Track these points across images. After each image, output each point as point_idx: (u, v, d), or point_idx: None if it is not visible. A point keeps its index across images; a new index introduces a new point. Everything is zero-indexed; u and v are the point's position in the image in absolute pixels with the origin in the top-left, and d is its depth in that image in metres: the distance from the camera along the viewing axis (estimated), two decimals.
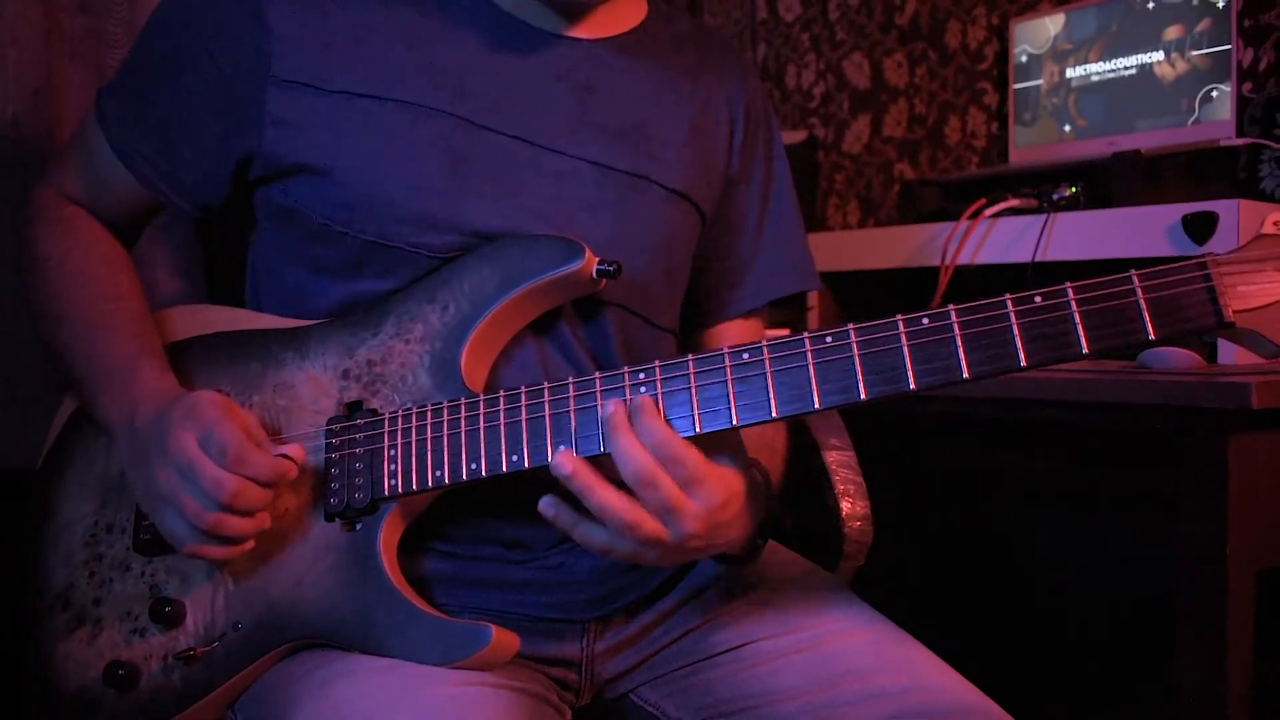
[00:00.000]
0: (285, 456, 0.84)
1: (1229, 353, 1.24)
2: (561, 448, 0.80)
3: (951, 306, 0.75)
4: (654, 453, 0.77)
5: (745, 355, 0.79)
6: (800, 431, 1.13)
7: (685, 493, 0.78)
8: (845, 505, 1.10)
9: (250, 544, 0.86)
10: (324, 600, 0.86)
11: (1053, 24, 1.81)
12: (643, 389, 0.81)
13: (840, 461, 1.12)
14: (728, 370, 0.79)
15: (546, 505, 0.80)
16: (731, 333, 1.11)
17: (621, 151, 0.96)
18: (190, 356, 0.96)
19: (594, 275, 0.88)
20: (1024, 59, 1.86)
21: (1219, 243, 1.25)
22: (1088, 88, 1.76)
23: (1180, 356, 1.21)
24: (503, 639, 0.83)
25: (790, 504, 1.10)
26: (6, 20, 1.27)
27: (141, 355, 0.92)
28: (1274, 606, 1.20)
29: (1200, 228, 1.27)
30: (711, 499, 0.79)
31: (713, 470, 0.80)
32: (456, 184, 0.91)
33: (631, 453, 0.77)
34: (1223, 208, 1.25)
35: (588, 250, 0.87)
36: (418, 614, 0.84)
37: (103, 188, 1.00)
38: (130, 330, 0.93)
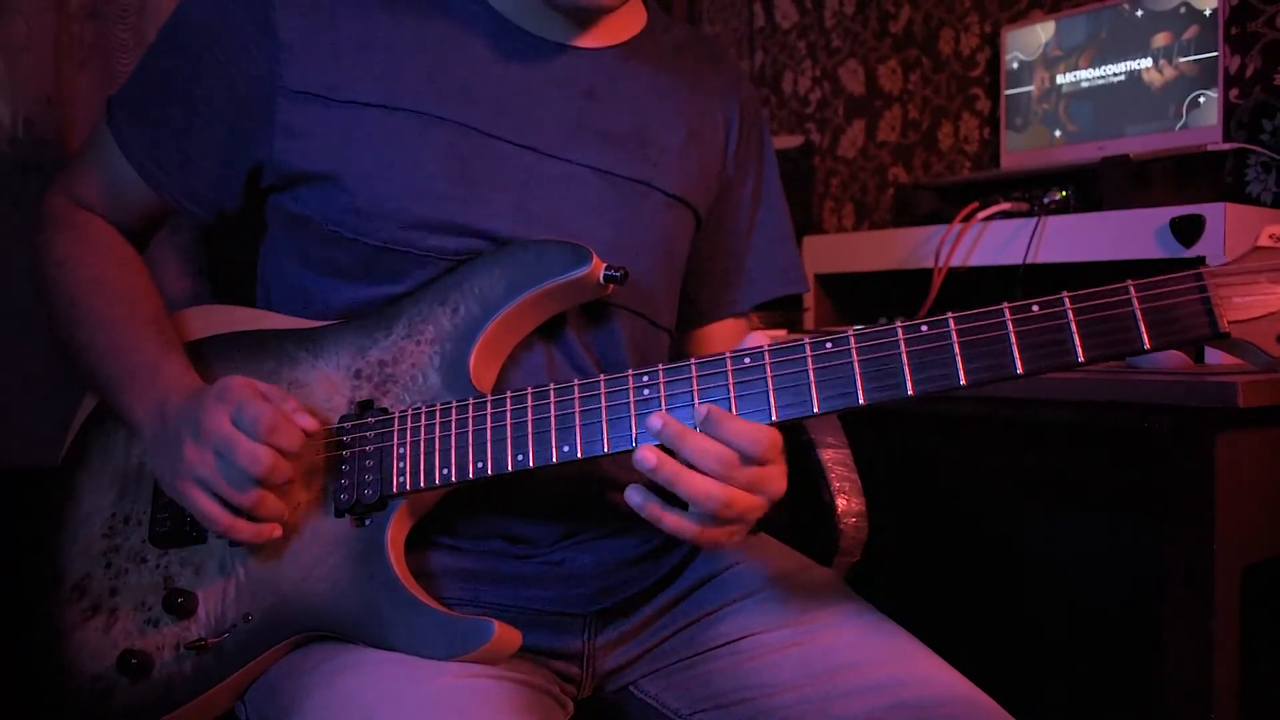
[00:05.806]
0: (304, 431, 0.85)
1: (1215, 352, 1.25)
2: (643, 442, 0.79)
3: (950, 315, 0.76)
4: (742, 444, 0.77)
5: (747, 360, 0.80)
6: (797, 430, 1.15)
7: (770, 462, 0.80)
8: (841, 502, 1.11)
9: (279, 530, 0.87)
10: (332, 594, 0.87)
11: (1044, 31, 1.82)
12: (645, 391, 0.82)
13: (836, 459, 1.13)
14: (729, 375, 0.80)
15: (633, 494, 0.79)
16: (720, 332, 1.13)
17: (623, 158, 0.98)
18: (206, 355, 0.97)
19: (601, 280, 0.90)
20: (1015, 65, 1.88)
21: (1206, 245, 1.27)
22: (1078, 93, 1.77)
23: (1168, 356, 1.22)
24: (505, 634, 0.85)
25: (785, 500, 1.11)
26: (21, 26, 1.28)
27: (164, 351, 0.93)
28: (1260, 602, 1.22)
29: (1188, 231, 1.28)
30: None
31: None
32: (464, 190, 0.92)
33: (708, 448, 0.77)
34: (1210, 211, 1.26)
35: (595, 256, 0.89)
36: (423, 608, 0.85)
37: (116, 195, 1.00)
38: (151, 328, 0.94)
